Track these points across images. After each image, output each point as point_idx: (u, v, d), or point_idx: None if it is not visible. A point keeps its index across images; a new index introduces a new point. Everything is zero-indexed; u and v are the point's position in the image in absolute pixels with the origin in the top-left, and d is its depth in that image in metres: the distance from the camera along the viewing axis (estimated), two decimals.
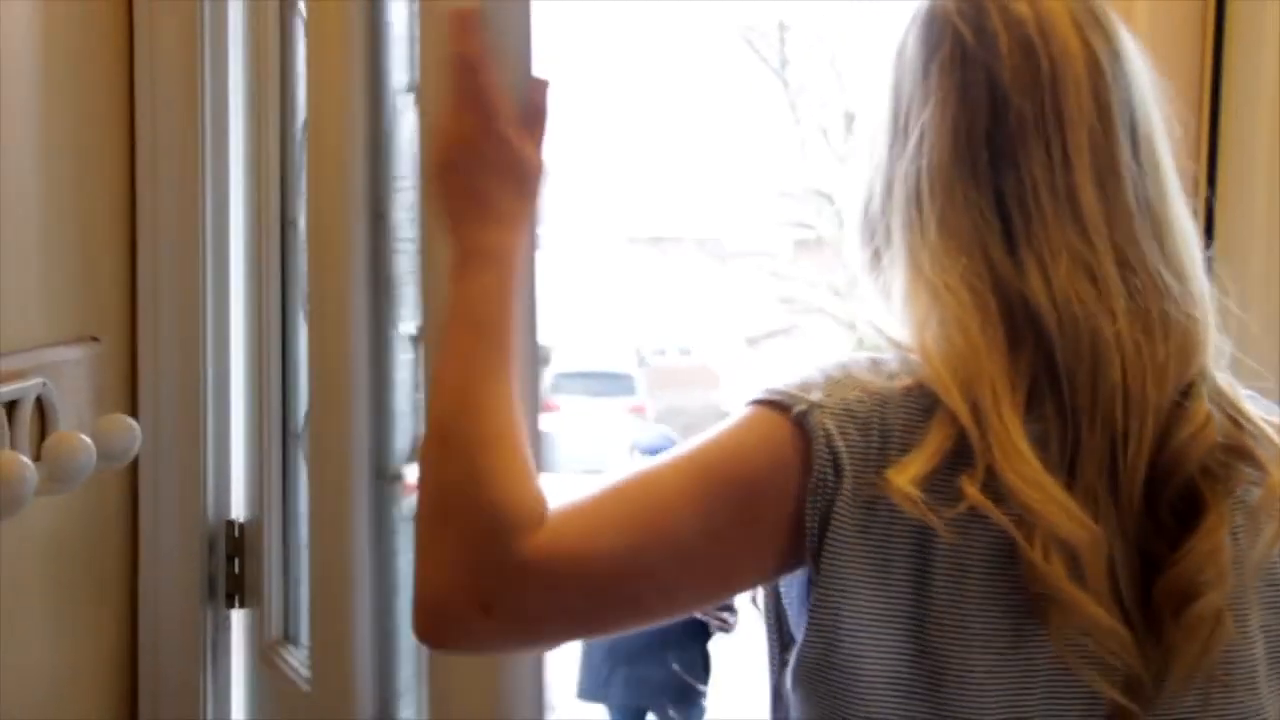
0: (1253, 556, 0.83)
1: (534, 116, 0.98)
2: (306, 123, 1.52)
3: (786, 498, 0.83)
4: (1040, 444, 0.83)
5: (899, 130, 0.91)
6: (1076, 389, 0.83)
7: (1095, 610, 0.80)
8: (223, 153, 1.62)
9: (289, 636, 1.60)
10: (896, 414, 0.86)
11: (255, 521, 1.65)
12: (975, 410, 0.82)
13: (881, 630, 0.84)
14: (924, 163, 0.89)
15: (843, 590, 0.84)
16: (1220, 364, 0.88)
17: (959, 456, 0.83)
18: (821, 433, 0.84)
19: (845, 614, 0.84)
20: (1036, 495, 0.80)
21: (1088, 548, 0.81)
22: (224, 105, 1.61)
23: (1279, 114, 1.39)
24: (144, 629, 1.64)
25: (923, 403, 0.85)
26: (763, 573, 0.88)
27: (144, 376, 1.63)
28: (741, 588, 0.90)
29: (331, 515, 1.40)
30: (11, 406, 1.33)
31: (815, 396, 0.85)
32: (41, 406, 1.47)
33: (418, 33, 1.23)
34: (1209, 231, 1.33)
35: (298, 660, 1.54)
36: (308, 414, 1.54)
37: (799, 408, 0.85)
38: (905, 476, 0.82)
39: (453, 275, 0.93)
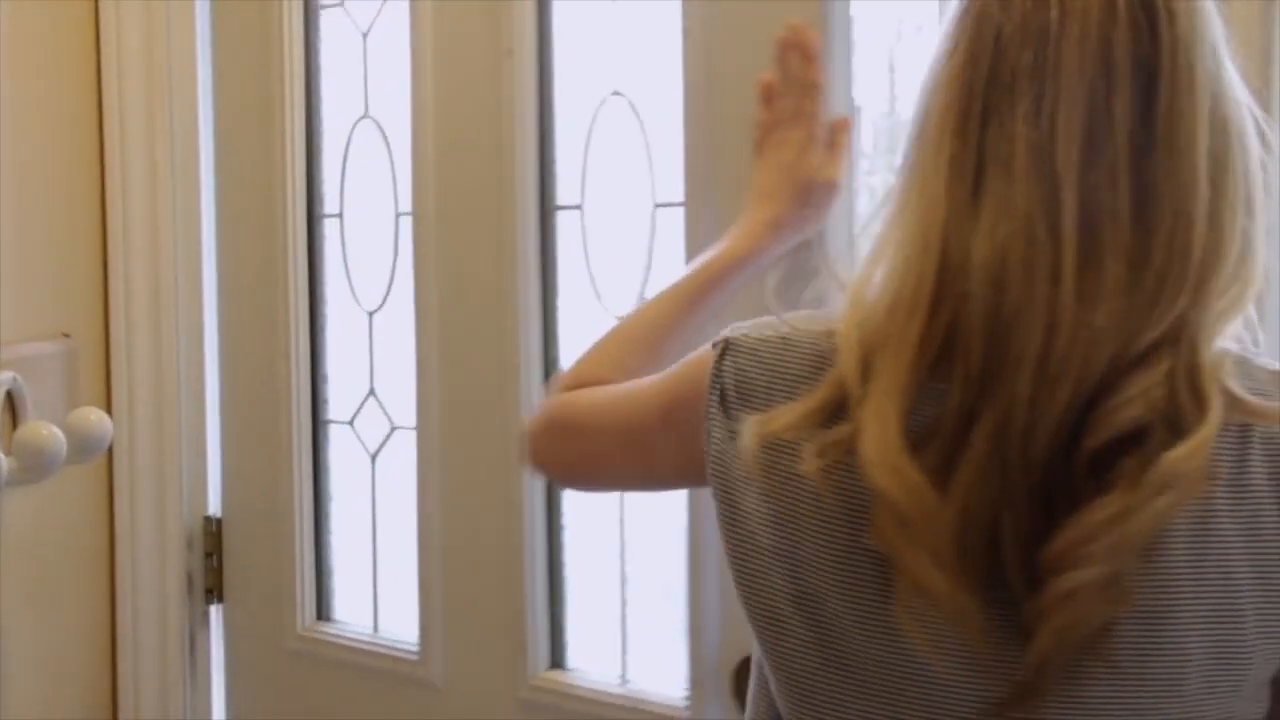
0: (1128, 530, 0.77)
1: (837, 142, 1.14)
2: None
3: (697, 418, 0.89)
4: (933, 402, 0.79)
5: (923, 87, 0.88)
6: (985, 352, 0.79)
7: (931, 573, 0.76)
8: (192, 149, 1.61)
9: (322, 615, 1.60)
10: (800, 361, 0.84)
11: (236, 517, 1.65)
12: (866, 370, 0.79)
13: (763, 564, 0.84)
14: (925, 117, 0.84)
15: (726, 519, 0.87)
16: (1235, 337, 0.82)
17: (840, 410, 0.80)
18: (719, 368, 0.88)
19: (731, 544, 0.87)
20: (877, 457, 0.77)
21: (920, 513, 0.77)
22: (192, 101, 1.61)
23: None
24: (122, 625, 1.64)
25: (829, 354, 0.82)
26: (679, 474, 1.01)
27: (117, 372, 1.63)
28: (664, 478, 1.06)
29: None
30: None
31: (737, 335, 0.89)
32: (12, 401, 1.49)
33: None
34: None
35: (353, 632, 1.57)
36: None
37: (719, 343, 0.89)
38: (773, 425, 0.81)
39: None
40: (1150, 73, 0.78)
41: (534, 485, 1.37)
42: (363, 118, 1.52)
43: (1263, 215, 0.82)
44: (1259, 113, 0.83)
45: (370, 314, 1.53)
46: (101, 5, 1.60)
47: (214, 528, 1.66)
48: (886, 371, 0.78)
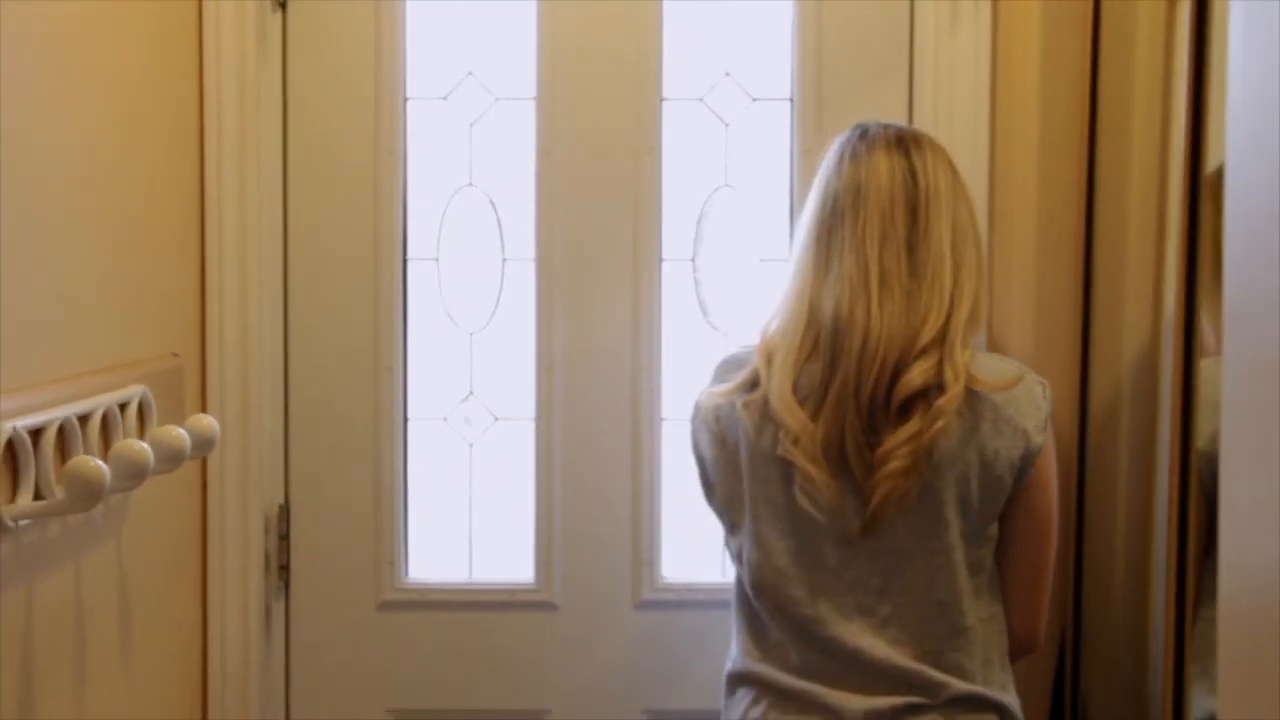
0: (919, 441, 1.49)
1: None
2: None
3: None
4: (809, 376, 1.52)
5: (801, 217, 1.63)
6: (833, 350, 1.52)
7: (810, 468, 1.51)
8: (275, 200, 1.96)
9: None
10: (740, 363, 1.59)
11: (302, 504, 2.01)
12: (769, 364, 1.54)
13: (724, 477, 1.57)
14: (801, 231, 1.60)
15: (708, 458, 1.59)
16: (974, 338, 1.57)
17: (754, 386, 1.55)
18: (715, 369, 1.63)
19: (708, 465, 1.60)
20: (779, 405, 1.52)
21: (804, 434, 1.51)
22: (278, 166, 1.95)
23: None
24: (212, 593, 1.93)
25: (749, 359, 1.58)
26: None
27: (211, 386, 1.93)
28: None
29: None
30: (122, 408, 1.61)
31: (729, 353, 1.66)
32: (141, 409, 1.77)
33: None
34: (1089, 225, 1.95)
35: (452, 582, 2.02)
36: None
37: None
38: (720, 391, 1.58)
39: None
40: (914, 204, 1.58)
41: (623, 450, 1.94)
42: (467, 185, 1.98)
43: (985, 276, 1.61)
44: (980, 223, 1.66)
45: (471, 334, 1.99)
46: (205, 77, 1.89)
47: (285, 514, 2.01)
48: (780, 363, 1.55)
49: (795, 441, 1.51)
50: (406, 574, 2.03)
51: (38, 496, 1.31)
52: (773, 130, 2.00)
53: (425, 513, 2.03)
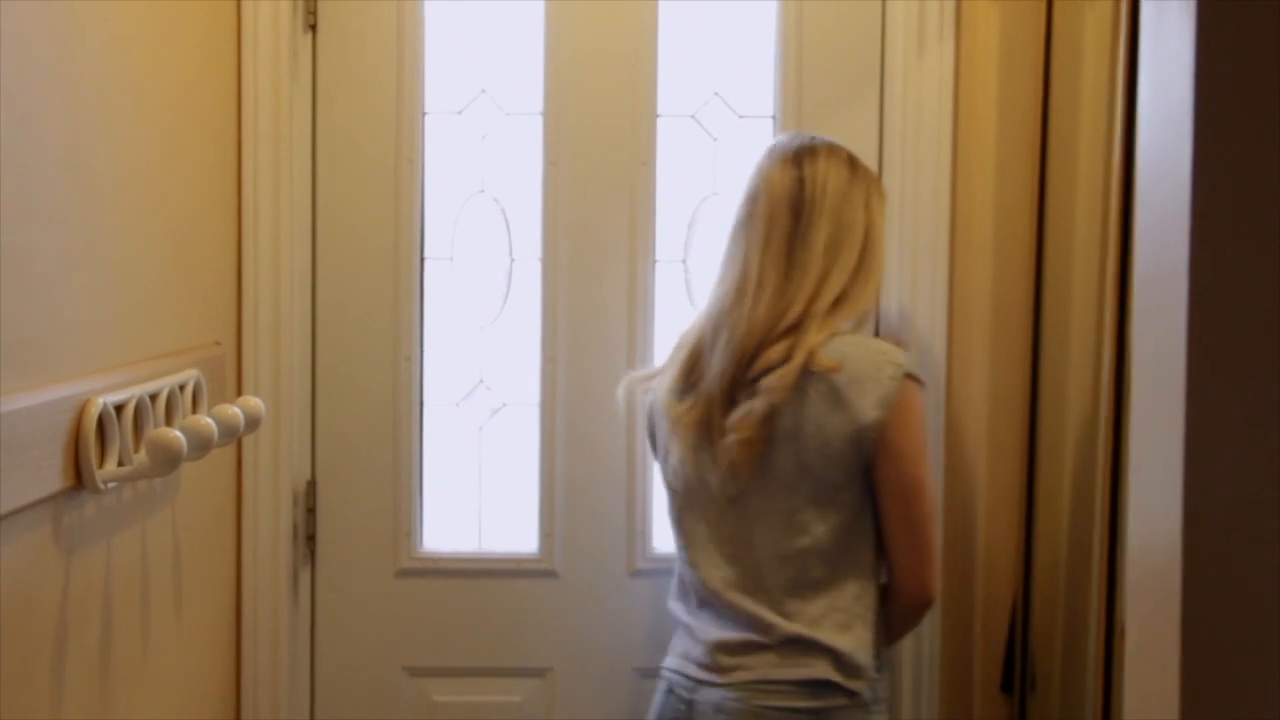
0: (756, 411, 1.75)
1: None
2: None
3: None
4: (693, 364, 1.80)
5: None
6: (713, 343, 1.78)
7: (686, 442, 1.80)
8: (304, 203, 2.16)
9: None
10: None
11: (328, 480, 2.21)
12: (670, 357, 1.88)
13: (657, 453, 1.89)
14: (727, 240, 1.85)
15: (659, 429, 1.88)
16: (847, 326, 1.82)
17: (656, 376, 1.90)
18: None
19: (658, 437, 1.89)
20: (661, 393, 1.83)
21: (677, 415, 1.80)
22: (307, 175, 2.15)
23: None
24: (246, 560, 2.13)
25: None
26: None
27: (246, 371, 2.13)
28: None
29: None
30: (180, 389, 1.80)
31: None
32: (195, 390, 1.97)
33: None
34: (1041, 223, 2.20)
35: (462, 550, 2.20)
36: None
37: None
38: (648, 380, 1.89)
39: None
40: (798, 209, 1.82)
41: (619, 433, 2.15)
42: (479, 192, 2.18)
43: (873, 273, 1.85)
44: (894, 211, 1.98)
45: (482, 328, 2.20)
46: (243, 92, 2.09)
47: (312, 489, 2.21)
48: (671, 358, 1.86)
49: (674, 423, 1.81)
50: (422, 544, 2.23)
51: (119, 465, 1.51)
52: (757, 144, 2.20)
53: (439, 489, 2.24)
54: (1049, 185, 2.08)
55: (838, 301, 1.76)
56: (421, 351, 2.21)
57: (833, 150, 1.81)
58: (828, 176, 1.78)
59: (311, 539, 2.22)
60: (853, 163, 1.81)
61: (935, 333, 2.12)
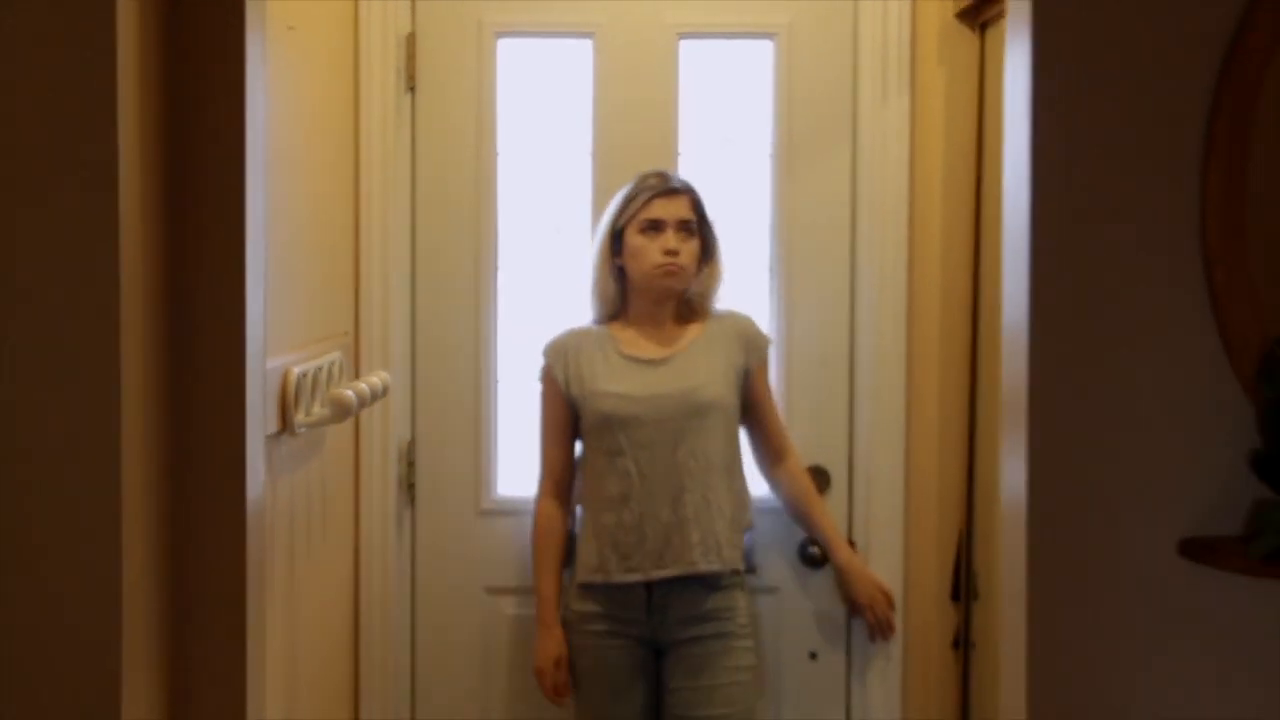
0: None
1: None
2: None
3: None
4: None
5: None
6: None
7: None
8: (403, 220, 2.78)
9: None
10: None
11: (425, 439, 2.82)
12: None
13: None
14: None
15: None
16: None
17: None
18: None
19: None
20: None
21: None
22: (406, 204, 2.78)
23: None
24: (364, 504, 2.74)
25: None
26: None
27: (363, 353, 2.74)
28: None
29: None
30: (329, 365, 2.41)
31: None
32: (339, 366, 2.58)
33: None
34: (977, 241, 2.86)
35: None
36: None
37: None
38: None
39: None
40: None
41: None
42: (540, 219, 2.81)
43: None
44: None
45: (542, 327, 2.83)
46: (360, 140, 2.70)
47: (412, 447, 2.83)
48: None
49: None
50: (497, 490, 2.85)
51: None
52: (759, 178, 2.83)
53: (511, 448, 2.85)
54: (983, 210, 2.69)
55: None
56: (496, 343, 2.82)
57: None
58: None
59: (412, 486, 2.83)
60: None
61: (897, 329, 2.73)
